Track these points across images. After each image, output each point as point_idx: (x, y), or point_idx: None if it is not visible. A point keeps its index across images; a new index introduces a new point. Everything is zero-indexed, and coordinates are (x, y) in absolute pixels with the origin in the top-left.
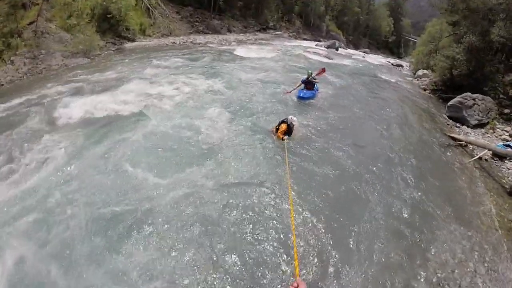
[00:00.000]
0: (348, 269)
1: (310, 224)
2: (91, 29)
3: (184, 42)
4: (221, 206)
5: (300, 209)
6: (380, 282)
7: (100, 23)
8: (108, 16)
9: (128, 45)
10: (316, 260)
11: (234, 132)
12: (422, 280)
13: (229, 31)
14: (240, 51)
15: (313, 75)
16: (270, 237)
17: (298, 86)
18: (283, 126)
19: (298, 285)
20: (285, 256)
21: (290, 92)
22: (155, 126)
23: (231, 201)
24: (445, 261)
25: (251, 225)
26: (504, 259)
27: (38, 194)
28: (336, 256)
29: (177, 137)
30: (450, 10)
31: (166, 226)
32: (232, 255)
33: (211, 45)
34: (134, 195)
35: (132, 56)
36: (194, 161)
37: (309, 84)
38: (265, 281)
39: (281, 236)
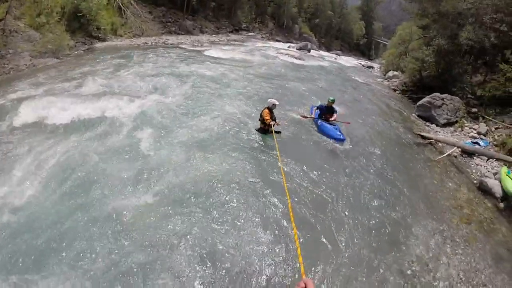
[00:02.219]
0: (322, 266)
1: (302, 217)
2: (60, 27)
3: (156, 42)
4: (212, 205)
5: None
6: (356, 276)
7: (70, 22)
8: (79, 14)
9: (99, 45)
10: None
11: (216, 131)
12: (398, 273)
13: (202, 32)
14: (212, 52)
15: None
16: (270, 234)
17: (315, 111)
18: (266, 112)
19: (305, 285)
20: (286, 253)
21: (306, 118)
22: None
23: (219, 197)
24: (419, 254)
25: (247, 221)
26: (476, 250)
27: None
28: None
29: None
30: (420, 14)
31: (163, 222)
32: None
33: (183, 46)
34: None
35: (102, 56)
36: (180, 160)
37: (328, 112)
38: (268, 278)
39: (280, 232)
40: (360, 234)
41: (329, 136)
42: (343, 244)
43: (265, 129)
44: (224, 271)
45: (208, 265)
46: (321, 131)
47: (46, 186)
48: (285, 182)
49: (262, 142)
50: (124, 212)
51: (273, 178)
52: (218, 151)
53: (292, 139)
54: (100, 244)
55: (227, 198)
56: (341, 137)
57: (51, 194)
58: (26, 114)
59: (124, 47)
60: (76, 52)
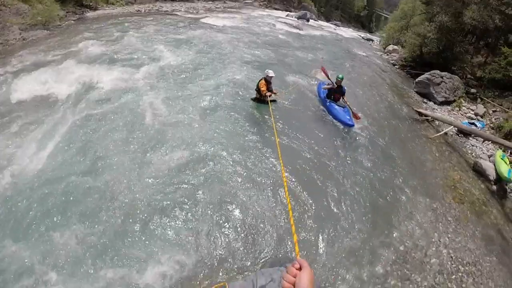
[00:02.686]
0: (315, 240)
1: (296, 192)
2: None
3: (149, 10)
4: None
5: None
6: (349, 251)
7: None
8: None
9: (90, 14)
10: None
11: (213, 100)
12: (390, 248)
13: None
14: (208, 19)
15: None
16: (263, 211)
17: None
18: (262, 83)
19: (300, 266)
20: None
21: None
22: (122, 103)
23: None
24: (411, 231)
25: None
26: (467, 230)
27: None
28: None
29: (148, 114)
30: None
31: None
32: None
33: (178, 13)
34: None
35: (94, 26)
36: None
37: (337, 92)
38: (264, 254)
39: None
40: (353, 209)
41: (338, 120)
42: (336, 219)
43: (260, 99)
44: (217, 247)
45: (198, 240)
46: (330, 112)
47: (53, 155)
48: (280, 156)
49: (257, 113)
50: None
51: (267, 150)
52: (213, 121)
53: (287, 109)
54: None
55: (217, 173)
56: (351, 122)
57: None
58: (20, 88)
59: (117, 16)
60: (67, 23)
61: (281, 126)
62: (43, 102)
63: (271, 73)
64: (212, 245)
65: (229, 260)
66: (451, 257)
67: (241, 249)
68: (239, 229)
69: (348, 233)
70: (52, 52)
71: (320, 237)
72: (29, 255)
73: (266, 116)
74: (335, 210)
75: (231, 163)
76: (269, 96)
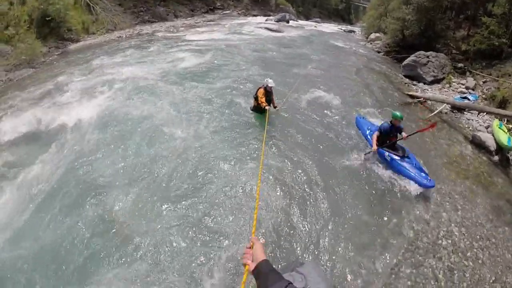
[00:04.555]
0: (323, 234)
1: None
2: (31, 36)
3: (130, 34)
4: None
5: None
6: (360, 247)
7: (40, 28)
8: (47, 19)
9: (73, 46)
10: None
11: (204, 113)
12: (400, 235)
13: (176, 16)
14: (188, 36)
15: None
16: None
17: (375, 139)
18: (261, 91)
19: (253, 243)
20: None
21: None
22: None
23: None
24: (419, 215)
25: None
26: (475, 205)
27: None
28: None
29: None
30: None
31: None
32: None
33: (158, 34)
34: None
35: (77, 58)
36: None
37: (392, 134)
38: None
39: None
40: (356, 200)
41: (411, 179)
42: (340, 216)
43: (258, 107)
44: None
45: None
46: (396, 170)
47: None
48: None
49: (253, 125)
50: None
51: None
52: (206, 134)
53: (286, 123)
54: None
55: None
56: (431, 182)
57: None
58: (8, 129)
59: (98, 45)
60: (50, 58)
61: (272, 141)
62: (32, 140)
63: (270, 82)
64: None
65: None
66: (464, 235)
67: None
68: (224, 239)
69: (355, 227)
70: (39, 90)
71: (327, 235)
72: None
73: (260, 130)
74: (336, 207)
75: (213, 180)
76: (268, 109)
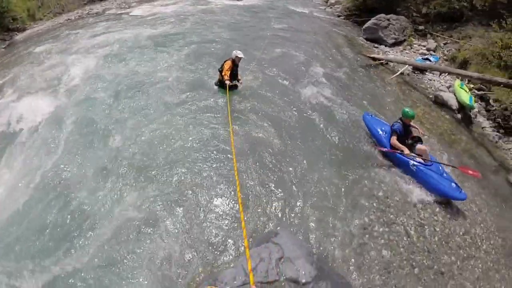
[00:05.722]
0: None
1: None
2: None
3: (79, 16)
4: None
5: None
6: (329, 206)
7: None
8: None
9: (20, 36)
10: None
11: (166, 91)
12: (370, 197)
13: None
14: (141, 11)
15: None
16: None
17: (394, 138)
18: (228, 64)
19: None
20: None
21: (385, 150)
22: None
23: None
24: (385, 175)
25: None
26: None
27: None
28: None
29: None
30: None
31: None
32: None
33: (109, 12)
34: None
35: (25, 48)
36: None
37: (405, 134)
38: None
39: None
40: (325, 167)
41: (438, 191)
42: (307, 184)
43: (224, 82)
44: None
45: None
46: (421, 180)
47: None
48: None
49: (216, 104)
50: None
51: (221, 144)
52: (169, 115)
53: (254, 97)
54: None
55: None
56: (463, 194)
57: None
58: None
59: (47, 31)
60: None
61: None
62: None
63: (240, 54)
64: (188, 241)
65: (212, 251)
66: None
67: (215, 239)
68: (200, 223)
69: (326, 192)
70: None
71: (299, 202)
72: None
73: (223, 107)
74: (306, 174)
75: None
76: (229, 83)
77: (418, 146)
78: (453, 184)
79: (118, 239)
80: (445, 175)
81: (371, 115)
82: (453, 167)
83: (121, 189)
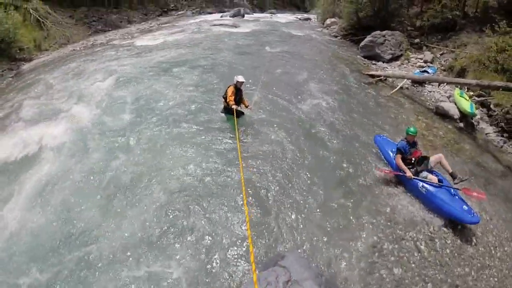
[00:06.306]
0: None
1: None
2: None
3: (84, 46)
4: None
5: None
6: (335, 226)
7: None
8: None
9: (26, 66)
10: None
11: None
12: (377, 214)
13: (130, 22)
14: (143, 41)
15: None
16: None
17: (397, 159)
18: (231, 89)
19: None
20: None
21: (388, 172)
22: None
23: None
24: (392, 192)
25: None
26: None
27: None
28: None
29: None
30: None
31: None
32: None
33: (113, 42)
34: None
35: (31, 78)
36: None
37: (410, 152)
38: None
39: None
40: (331, 186)
41: (449, 215)
42: (311, 206)
43: (230, 108)
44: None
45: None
46: (431, 204)
47: None
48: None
49: (224, 130)
50: None
51: (230, 171)
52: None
53: (259, 124)
54: None
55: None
56: (476, 218)
57: None
58: None
59: (53, 61)
60: (5, 82)
61: (247, 147)
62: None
63: (240, 78)
64: (195, 266)
65: (218, 277)
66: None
67: (222, 264)
68: (208, 249)
69: (331, 212)
70: None
71: (305, 224)
72: None
73: (232, 134)
74: (307, 198)
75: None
76: (235, 108)
77: (433, 157)
78: (465, 207)
79: (121, 261)
80: (456, 197)
81: (382, 136)
82: (457, 189)
83: (126, 215)
